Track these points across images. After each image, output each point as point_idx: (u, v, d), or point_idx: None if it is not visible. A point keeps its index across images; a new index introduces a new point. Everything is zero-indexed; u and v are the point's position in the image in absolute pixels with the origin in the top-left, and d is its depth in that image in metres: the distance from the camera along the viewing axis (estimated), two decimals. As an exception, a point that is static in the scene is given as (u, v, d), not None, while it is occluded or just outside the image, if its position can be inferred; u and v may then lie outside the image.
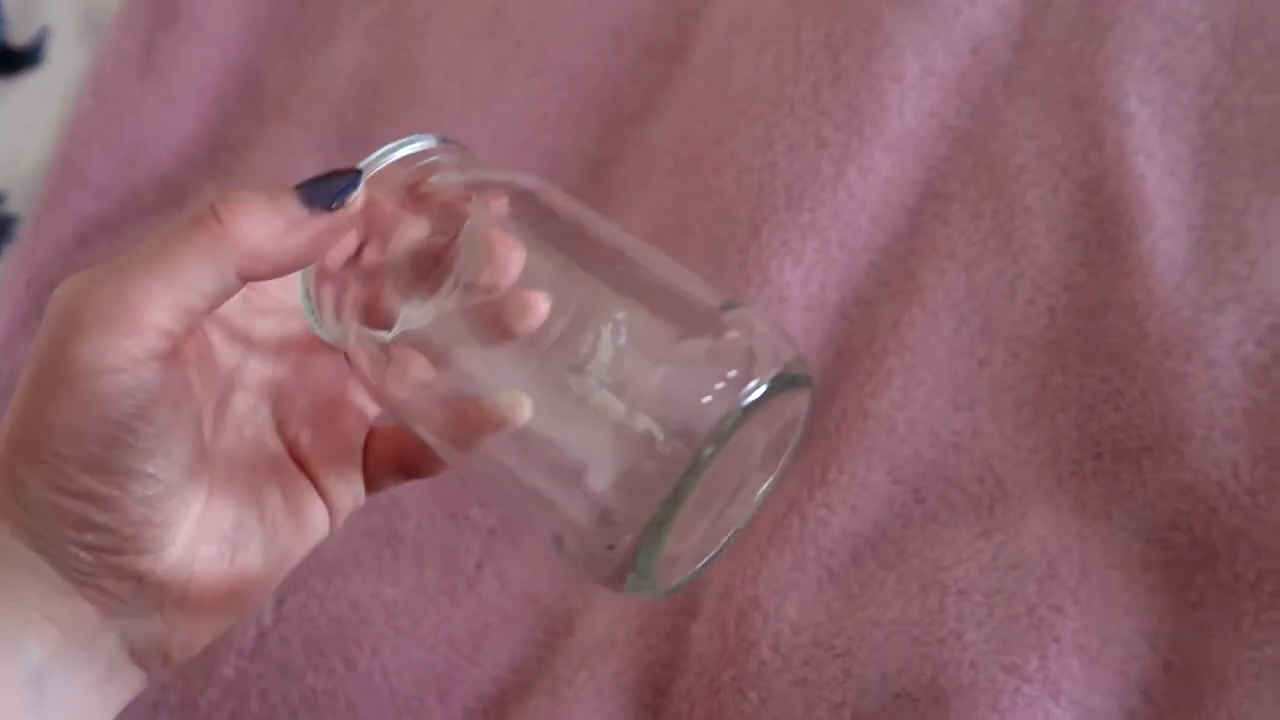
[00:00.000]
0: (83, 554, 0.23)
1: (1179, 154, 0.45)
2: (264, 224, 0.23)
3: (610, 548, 0.24)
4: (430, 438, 0.26)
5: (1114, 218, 0.43)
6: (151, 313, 0.22)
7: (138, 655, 0.25)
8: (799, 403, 0.26)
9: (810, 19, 0.48)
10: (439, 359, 0.25)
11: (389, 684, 0.39)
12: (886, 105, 0.46)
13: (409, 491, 0.44)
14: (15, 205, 0.51)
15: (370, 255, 0.26)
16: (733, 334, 0.24)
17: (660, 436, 0.23)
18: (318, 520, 0.28)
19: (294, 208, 0.23)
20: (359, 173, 0.24)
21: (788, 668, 0.37)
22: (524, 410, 0.24)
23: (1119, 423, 0.41)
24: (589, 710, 0.38)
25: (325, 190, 0.24)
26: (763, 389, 0.23)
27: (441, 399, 0.26)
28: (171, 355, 0.23)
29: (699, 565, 0.27)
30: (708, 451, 0.22)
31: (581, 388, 0.24)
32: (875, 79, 0.46)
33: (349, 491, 0.28)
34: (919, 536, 0.40)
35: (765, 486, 0.27)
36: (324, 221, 0.24)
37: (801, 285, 0.44)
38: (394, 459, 0.29)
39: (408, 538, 0.43)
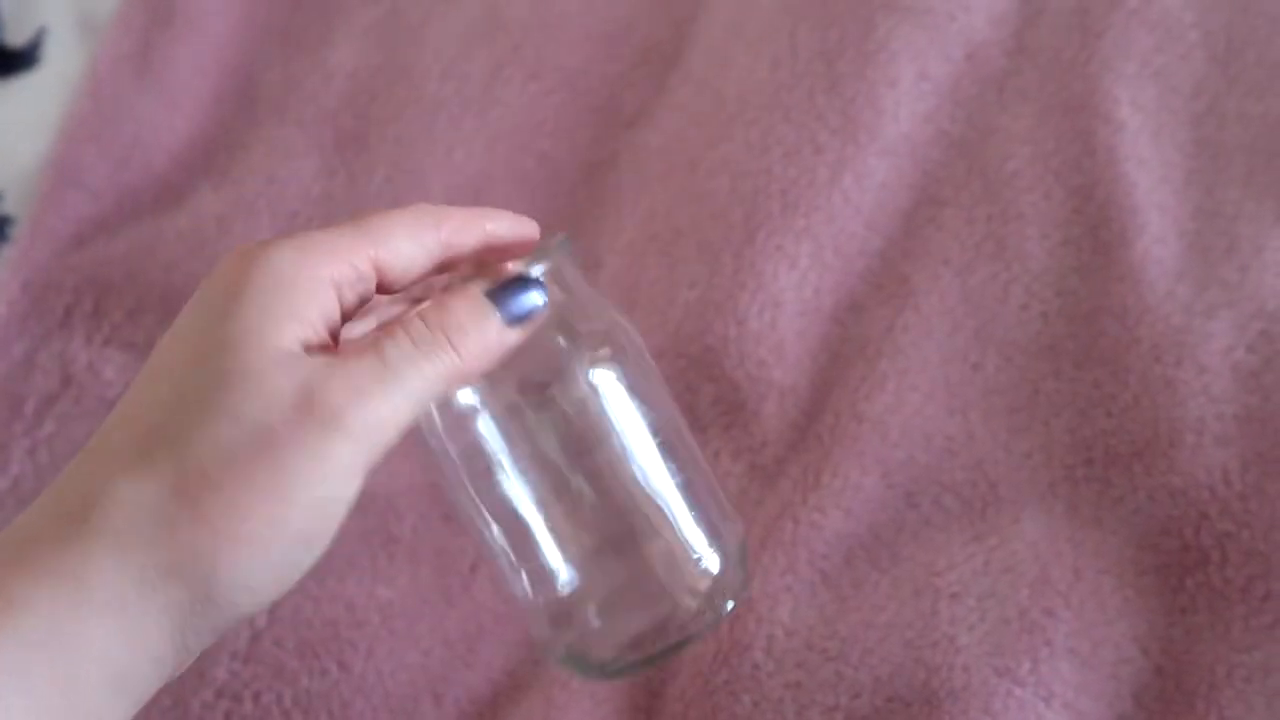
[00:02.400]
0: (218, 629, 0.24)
1: (1171, 160, 0.45)
2: (486, 349, 0.26)
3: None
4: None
5: (1106, 223, 0.44)
6: (392, 432, 0.24)
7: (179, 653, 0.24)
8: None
9: (805, 24, 0.48)
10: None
11: (383, 685, 0.39)
12: (881, 111, 0.46)
13: (404, 493, 0.44)
14: (11, 206, 0.51)
15: None
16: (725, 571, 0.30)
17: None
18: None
19: (498, 324, 0.26)
20: (543, 286, 0.27)
21: (781, 671, 0.37)
22: None
23: (1111, 428, 0.41)
24: (583, 712, 0.38)
25: (521, 306, 0.27)
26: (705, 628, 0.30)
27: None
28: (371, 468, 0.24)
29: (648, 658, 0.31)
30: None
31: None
32: (870, 85, 0.46)
33: None
34: (912, 540, 0.41)
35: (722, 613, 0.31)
36: (518, 334, 0.27)
37: (796, 290, 0.44)
38: None
39: (402, 539, 0.43)
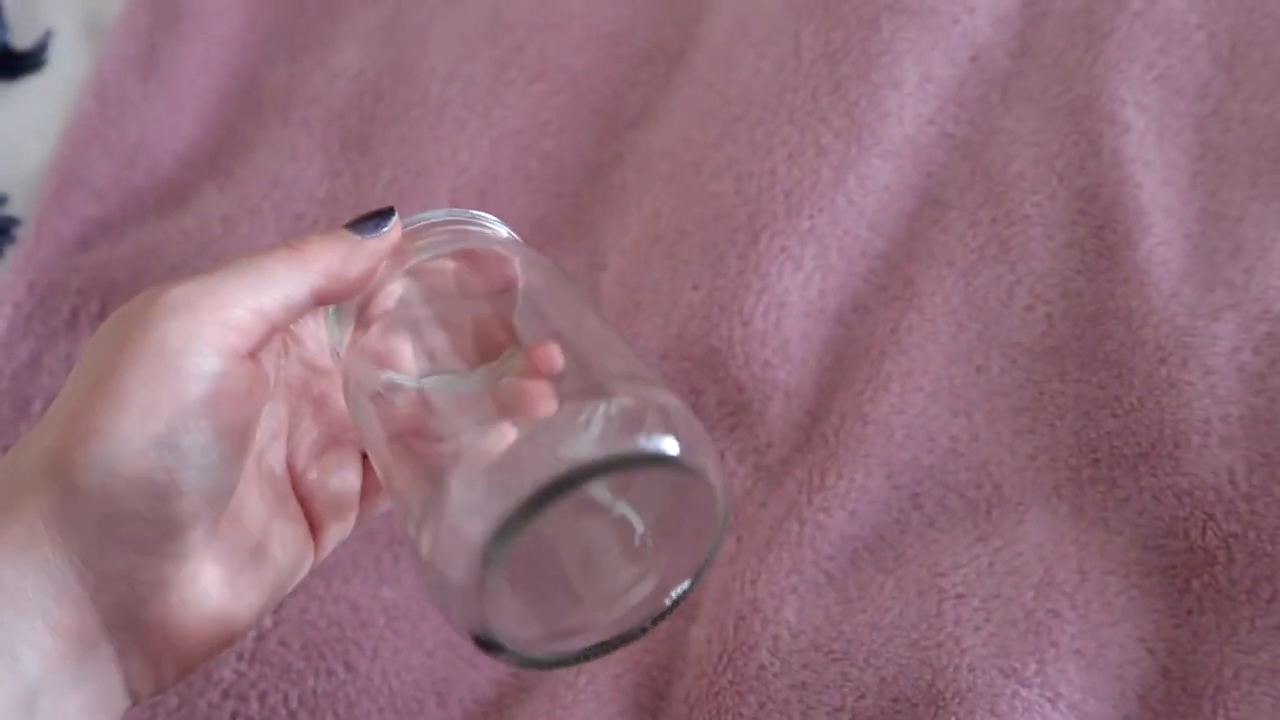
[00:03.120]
0: (116, 548, 0.23)
1: (1176, 162, 0.45)
2: (330, 250, 0.27)
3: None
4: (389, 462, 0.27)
5: (1111, 225, 0.44)
6: (238, 309, 0.25)
7: (129, 677, 0.24)
8: (689, 499, 0.24)
9: (810, 26, 0.48)
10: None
11: (388, 686, 0.39)
12: (885, 113, 0.46)
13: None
14: (16, 207, 0.51)
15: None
16: (621, 401, 0.23)
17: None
18: (307, 555, 0.29)
19: (349, 237, 0.28)
20: (392, 209, 0.29)
21: (786, 671, 0.37)
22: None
23: (1116, 429, 0.41)
24: (588, 713, 0.38)
25: (371, 224, 0.28)
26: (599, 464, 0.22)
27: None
28: (246, 355, 0.25)
29: (587, 647, 0.26)
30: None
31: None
32: (874, 86, 0.46)
33: (340, 528, 0.30)
34: (917, 541, 0.40)
35: (680, 590, 0.26)
36: (373, 244, 0.28)
37: (800, 291, 0.44)
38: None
39: (408, 539, 0.43)
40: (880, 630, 0.38)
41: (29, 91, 0.54)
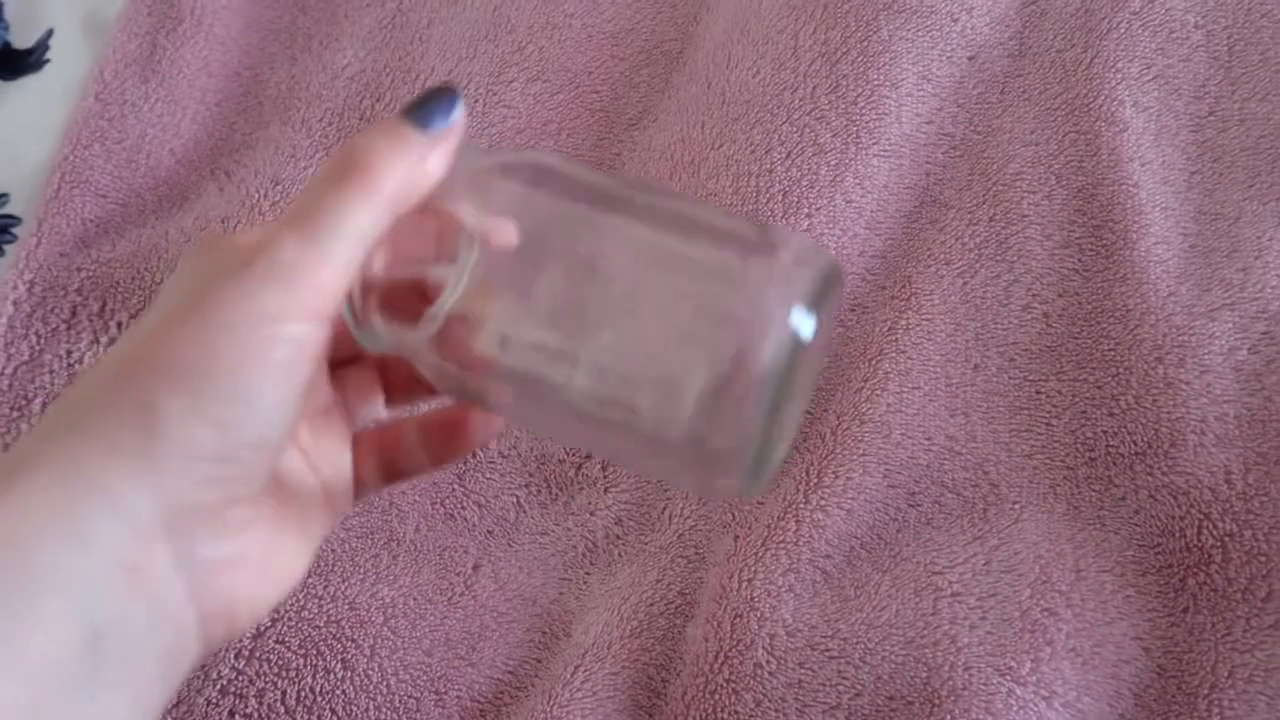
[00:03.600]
0: (195, 488, 0.22)
1: (1173, 162, 0.45)
2: (400, 160, 0.24)
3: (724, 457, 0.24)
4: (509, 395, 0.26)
5: (1109, 225, 0.44)
6: (329, 270, 0.23)
7: (204, 620, 0.24)
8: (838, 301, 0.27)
9: (808, 26, 0.48)
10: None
11: (386, 684, 0.39)
12: (884, 112, 0.46)
13: (407, 493, 0.44)
14: (17, 206, 0.51)
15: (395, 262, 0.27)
16: (783, 253, 0.25)
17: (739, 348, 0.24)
18: (322, 513, 0.28)
19: (414, 135, 0.24)
20: (454, 90, 0.25)
21: (782, 670, 0.37)
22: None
23: (1112, 428, 0.41)
24: (585, 711, 0.38)
25: (433, 110, 0.25)
26: (820, 290, 0.24)
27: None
28: (330, 317, 0.24)
29: (778, 458, 0.27)
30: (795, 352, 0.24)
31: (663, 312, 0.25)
32: (872, 86, 0.46)
33: (343, 493, 0.29)
34: (913, 540, 0.41)
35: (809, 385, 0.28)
36: (443, 139, 0.25)
37: (798, 290, 0.44)
38: (379, 461, 0.30)
39: (405, 539, 0.43)
40: (876, 628, 0.38)
41: (29, 90, 0.54)
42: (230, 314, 0.22)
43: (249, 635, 0.40)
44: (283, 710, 0.39)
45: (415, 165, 0.24)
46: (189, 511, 0.23)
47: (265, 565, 0.25)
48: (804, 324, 0.24)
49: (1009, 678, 0.36)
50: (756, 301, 0.24)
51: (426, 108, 0.25)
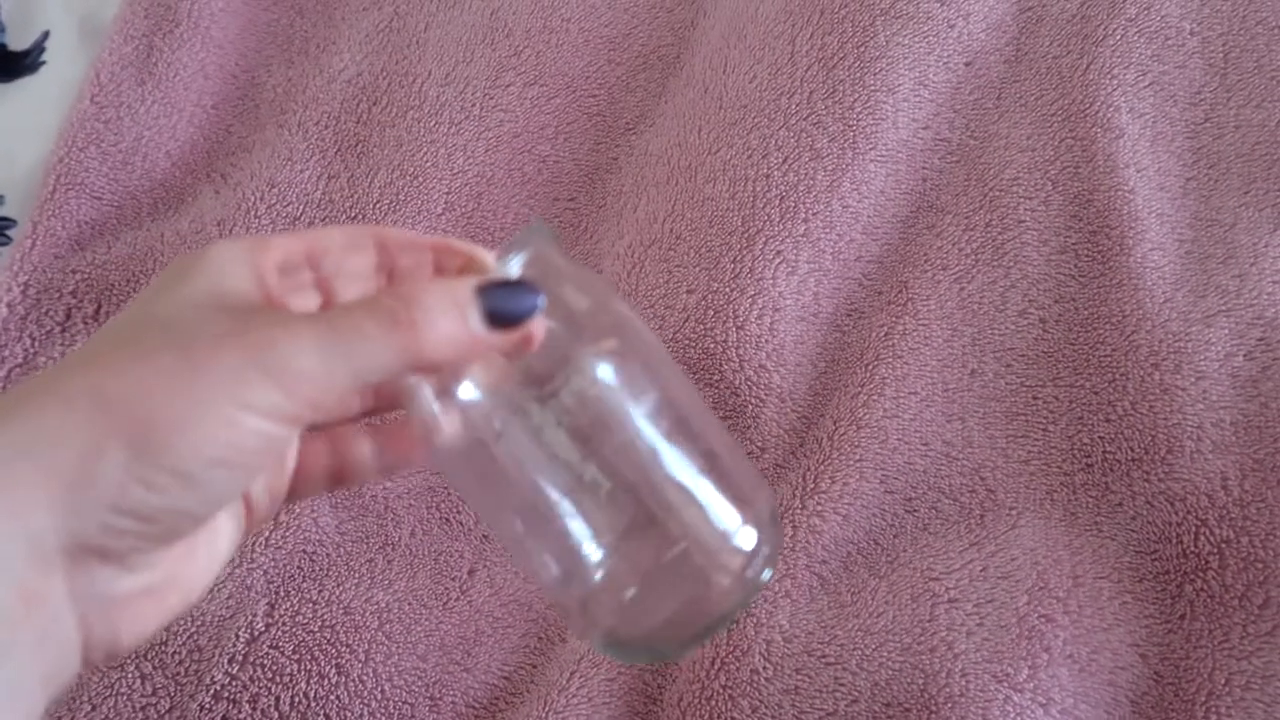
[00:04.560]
0: (109, 536, 0.22)
1: (1169, 168, 0.45)
2: (452, 337, 0.23)
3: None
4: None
5: (1105, 231, 0.44)
6: (333, 396, 0.22)
7: (88, 646, 0.23)
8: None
9: (805, 31, 0.48)
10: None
11: (381, 689, 0.39)
12: (880, 117, 0.46)
13: (403, 498, 0.44)
14: (12, 208, 0.51)
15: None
16: (764, 547, 0.28)
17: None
18: (237, 529, 0.27)
19: (478, 325, 0.24)
20: (538, 297, 0.24)
21: (779, 676, 0.37)
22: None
23: (1109, 434, 0.41)
24: (581, 717, 0.38)
25: (510, 312, 0.24)
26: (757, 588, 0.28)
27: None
28: (310, 425, 0.23)
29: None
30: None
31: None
32: (869, 91, 0.46)
33: (269, 502, 0.28)
34: (910, 546, 0.40)
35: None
36: (499, 340, 0.24)
37: (795, 295, 0.44)
38: (323, 468, 0.29)
39: (400, 543, 0.43)
40: (873, 635, 0.38)
41: (25, 92, 0.54)
42: (218, 394, 0.22)
43: (242, 640, 0.40)
44: (276, 716, 0.39)
45: (463, 352, 0.24)
46: (95, 551, 0.22)
47: (162, 596, 0.24)
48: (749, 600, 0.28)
49: (1006, 684, 0.36)
50: (728, 579, 0.28)
51: (504, 303, 0.24)
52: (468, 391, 0.27)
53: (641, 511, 0.28)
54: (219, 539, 0.26)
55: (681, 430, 0.29)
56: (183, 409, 0.21)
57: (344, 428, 0.29)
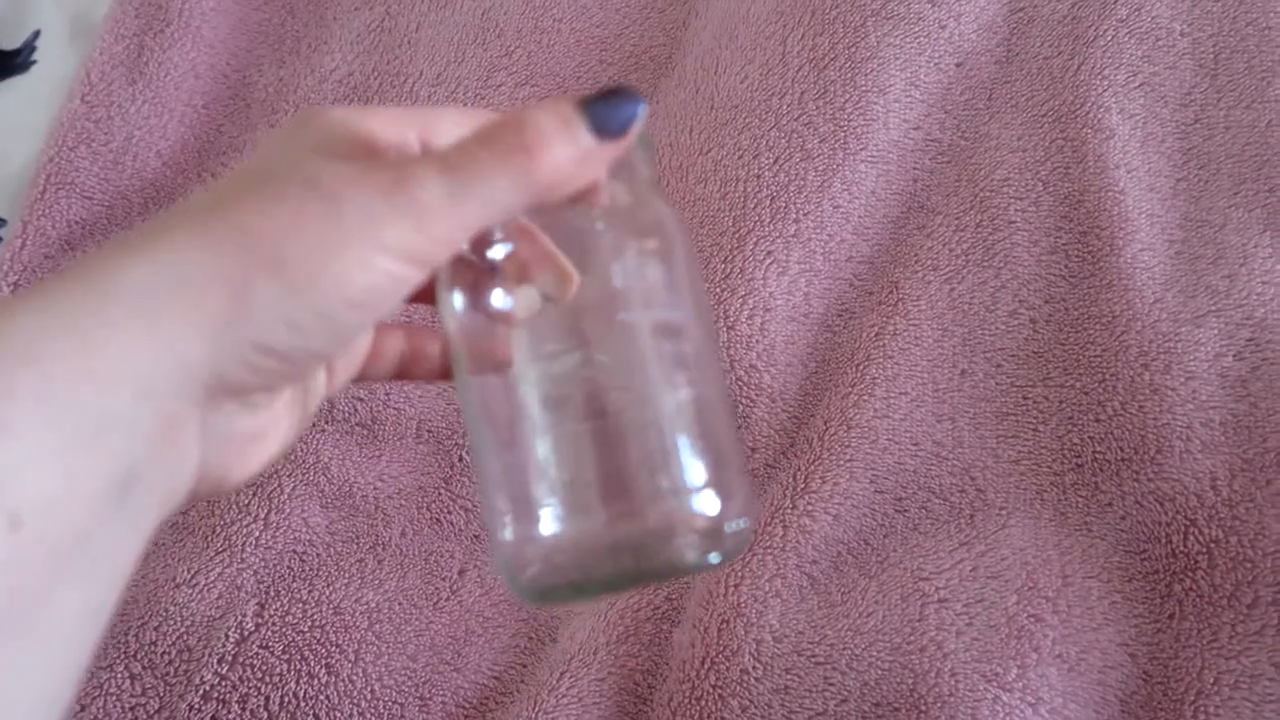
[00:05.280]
0: (246, 371, 0.22)
1: (1159, 169, 0.45)
2: (566, 158, 0.23)
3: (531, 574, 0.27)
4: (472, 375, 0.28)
5: (1095, 231, 0.44)
6: (459, 231, 0.23)
7: (202, 478, 0.24)
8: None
9: (797, 31, 0.48)
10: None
11: (370, 689, 0.39)
12: (871, 118, 0.46)
13: (393, 498, 0.44)
14: (2, 208, 0.51)
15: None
16: (735, 522, 0.27)
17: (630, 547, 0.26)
18: (323, 390, 0.28)
19: (586, 138, 0.24)
20: (640, 100, 0.24)
21: (769, 675, 0.37)
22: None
23: (1099, 434, 0.41)
24: (571, 717, 0.38)
25: (614, 118, 0.24)
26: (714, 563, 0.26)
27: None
28: (434, 268, 0.24)
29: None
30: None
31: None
32: (860, 92, 0.46)
33: (346, 370, 0.29)
34: (900, 546, 0.40)
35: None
36: (610, 150, 0.24)
37: (786, 295, 0.44)
38: (395, 354, 0.30)
39: (392, 543, 0.43)
40: (863, 634, 0.38)
41: (16, 92, 0.54)
42: (353, 233, 0.22)
43: (232, 640, 0.40)
44: (266, 716, 0.38)
45: (578, 169, 0.24)
46: (231, 388, 0.23)
47: (266, 441, 0.25)
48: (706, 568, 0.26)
49: (995, 684, 0.36)
50: (677, 536, 0.26)
51: (608, 112, 0.24)
52: (499, 300, 0.27)
53: (620, 450, 0.27)
54: (312, 396, 0.27)
55: (689, 372, 0.28)
56: (326, 248, 0.22)
57: (418, 327, 0.30)
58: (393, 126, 0.25)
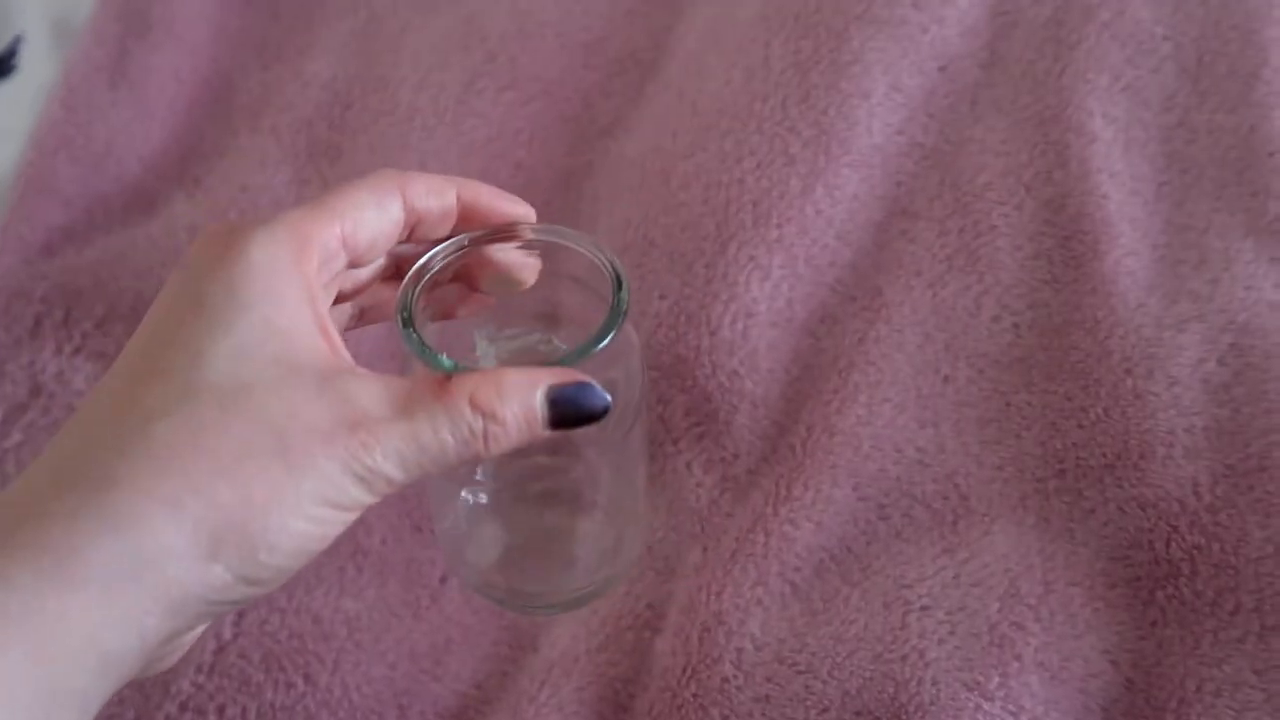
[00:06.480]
0: (194, 620, 0.23)
1: (1142, 173, 0.45)
2: (512, 443, 0.25)
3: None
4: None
5: (1078, 236, 0.44)
6: (392, 488, 0.24)
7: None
8: None
9: (780, 36, 0.48)
10: None
11: (349, 698, 0.39)
12: (854, 122, 0.46)
13: (374, 506, 0.43)
14: (-17, 214, 0.50)
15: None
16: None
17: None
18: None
19: (542, 429, 0.25)
20: (606, 402, 0.26)
21: (750, 684, 0.37)
22: None
23: (1082, 440, 0.41)
24: (550, 726, 0.38)
25: (577, 417, 0.26)
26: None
27: None
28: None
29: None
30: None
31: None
32: (843, 96, 0.46)
33: None
34: (883, 553, 0.40)
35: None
36: (546, 434, 0.26)
37: (768, 301, 0.44)
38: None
39: (372, 551, 0.43)
40: (844, 643, 0.37)
41: (-2, 97, 0.53)
42: (314, 499, 0.23)
43: (210, 650, 0.39)
44: (243, 726, 0.38)
45: (518, 444, 0.25)
46: (181, 634, 0.23)
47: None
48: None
49: (977, 693, 0.36)
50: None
51: (575, 412, 0.25)
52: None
53: (563, 524, 0.34)
54: None
55: (628, 467, 0.33)
56: (285, 513, 0.23)
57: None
58: (316, 245, 0.25)
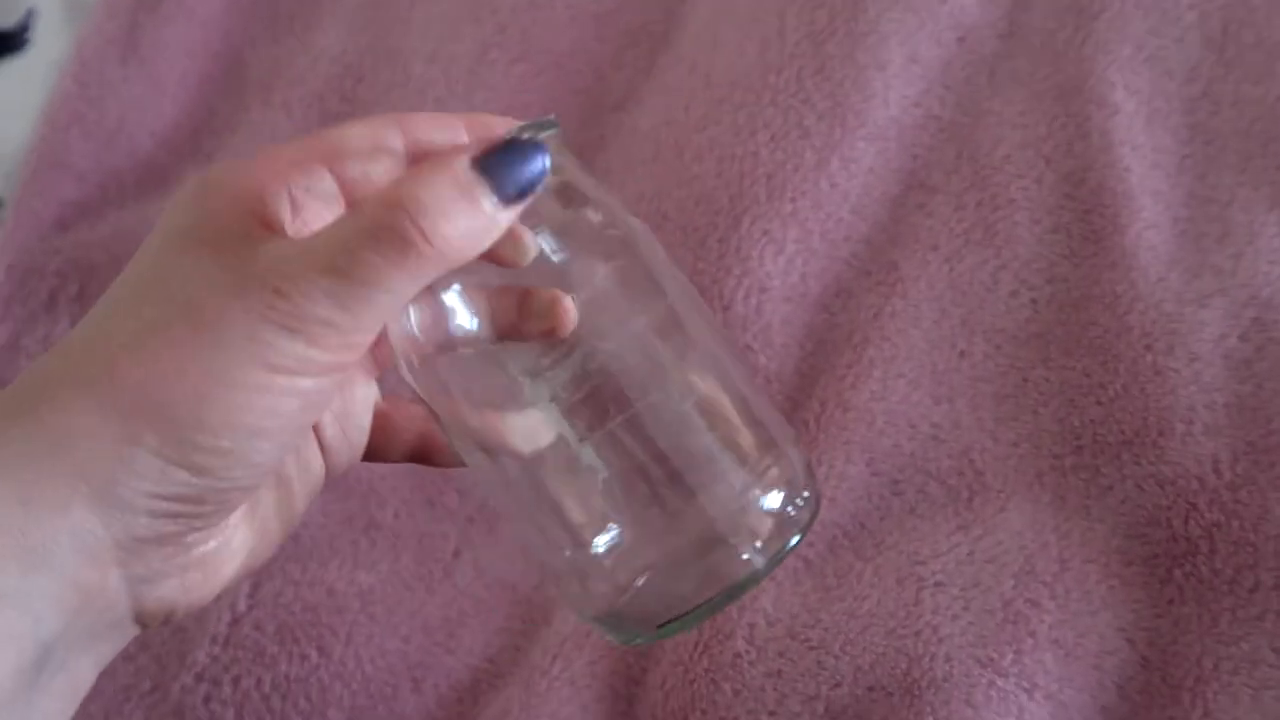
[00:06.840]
0: (158, 522, 0.21)
1: (1165, 146, 0.44)
2: (465, 232, 0.21)
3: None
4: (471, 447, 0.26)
5: (1098, 210, 0.43)
6: (360, 335, 0.21)
7: (143, 616, 0.23)
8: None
9: (794, 6, 0.47)
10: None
11: (362, 671, 0.39)
12: (870, 94, 0.45)
13: (387, 478, 0.44)
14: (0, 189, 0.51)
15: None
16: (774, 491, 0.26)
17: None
18: (319, 474, 0.26)
19: (489, 204, 0.21)
20: (539, 147, 0.22)
21: (762, 659, 0.37)
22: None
23: (1100, 417, 0.40)
24: (562, 700, 0.38)
25: (518, 177, 0.22)
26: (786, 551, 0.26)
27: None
28: (346, 368, 0.22)
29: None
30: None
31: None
32: (859, 68, 0.46)
33: (348, 449, 0.27)
34: (896, 529, 0.40)
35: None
36: (514, 213, 0.22)
37: (782, 276, 0.44)
38: (414, 438, 0.28)
39: (385, 525, 0.43)
40: (858, 618, 0.37)
41: (10, 72, 0.53)
42: (239, 359, 0.20)
43: (225, 621, 0.40)
44: (258, 697, 0.39)
45: (481, 240, 0.21)
46: (151, 539, 0.22)
47: (219, 566, 0.24)
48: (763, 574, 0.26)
49: (990, 669, 0.36)
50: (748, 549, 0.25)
51: (511, 171, 0.21)
52: (466, 330, 0.25)
53: (658, 471, 0.25)
54: (293, 497, 0.26)
55: (706, 365, 0.26)
56: (205, 382, 0.21)
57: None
58: (295, 169, 0.23)
